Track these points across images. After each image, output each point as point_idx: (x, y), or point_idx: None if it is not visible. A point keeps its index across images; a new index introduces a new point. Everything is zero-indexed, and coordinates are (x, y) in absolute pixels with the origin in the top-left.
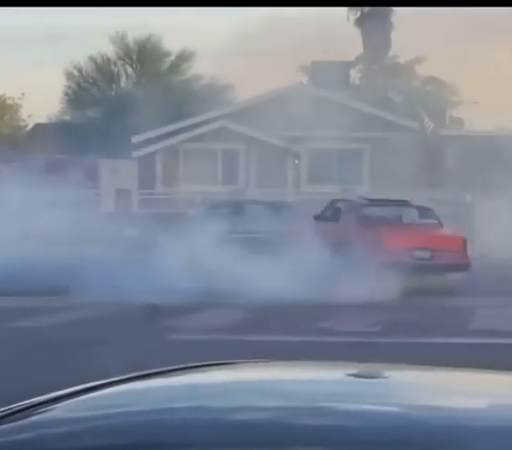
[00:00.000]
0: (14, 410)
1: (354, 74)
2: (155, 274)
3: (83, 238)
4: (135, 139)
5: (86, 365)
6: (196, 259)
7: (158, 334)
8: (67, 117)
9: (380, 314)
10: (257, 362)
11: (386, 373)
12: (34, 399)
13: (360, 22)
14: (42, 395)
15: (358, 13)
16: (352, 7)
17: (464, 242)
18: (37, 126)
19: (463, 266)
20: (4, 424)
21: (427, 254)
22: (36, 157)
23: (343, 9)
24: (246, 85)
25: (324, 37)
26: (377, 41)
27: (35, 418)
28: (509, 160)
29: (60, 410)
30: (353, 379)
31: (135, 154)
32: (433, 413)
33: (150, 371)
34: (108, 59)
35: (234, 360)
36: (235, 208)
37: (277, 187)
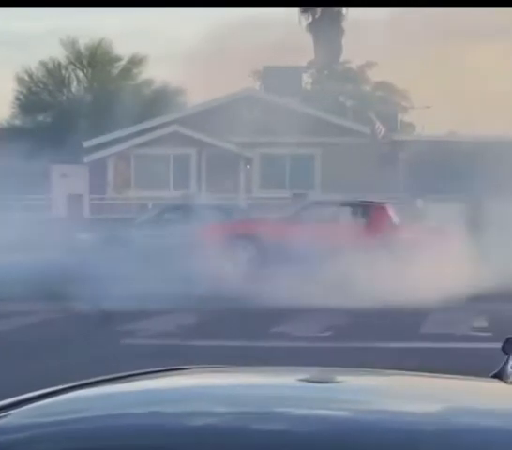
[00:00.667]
0: None
1: (306, 79)
2: (106, 279)
3: (35, 243)
4: (86, 144)
5: (38, 371)
6: (148, 263)
7: (110, 339)
8: (18, 122)
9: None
10: (210, 367)
11: (339, 377)
12: None
13: (312, 27)
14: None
15: (310, 17)
16: (304, 11)
17: None
18: None
19: None
20: None
21: None
22: None
23: (295, 13)
24: (197, 90)
25: (276, 41)
26: (328, 46)
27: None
28: (460, 165)
29: (12, 417)
30: (305, 383)
31: (86, 159)
32: (385, 417)
33: (102, 377)
34: (59, 64)
35: (188, 365)
36: (187, 213)
37: (229, 191)
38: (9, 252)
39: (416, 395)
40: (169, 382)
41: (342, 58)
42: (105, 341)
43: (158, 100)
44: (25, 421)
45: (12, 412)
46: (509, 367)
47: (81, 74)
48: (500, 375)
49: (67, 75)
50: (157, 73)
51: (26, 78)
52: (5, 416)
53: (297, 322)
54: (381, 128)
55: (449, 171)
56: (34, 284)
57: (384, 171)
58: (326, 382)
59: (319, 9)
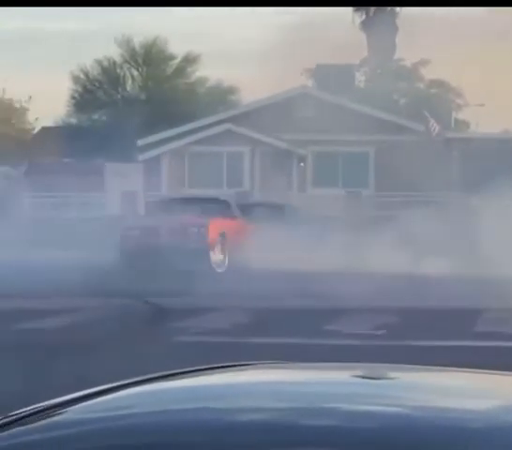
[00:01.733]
0: (26, 413)
1: (359, 77)
2: (162, 276)
3: (90, 240)
4: (141, 142)
5: (89, 368)
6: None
7: (163, 336)
8: (74, 120)
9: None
10: (265, 364)
11: (392, 374)
12: (46, 402)
13: (365, 25)
14: (57, 397)
15: (363, 16)
16: (357, 10)
17: None
18: (44, 129)
19: None
20: (16, 427)
21: None
22: (43, 160)
23: (349, 12)
24: (251, 88)
25: (329, 39)
26: (382, 44)
27: (46, 421)
28: None
29: (73, 412)
30: (359, 380)
31: (141, 157)
32: (439, 415)
33: (161, 374)
34: (114, 62)
35: (242, 362)
36: (241, 210)
37: (282, 189)
38: (64, 249)
39: (468, 392)
40: (224, 379)
41: (396, 56)
42: (158, 338)
43: (212, 98)
44: (83, 417)
45: (70, 408)
46: None
47: (135, 72)
48: None
49: (121, 73)
50: (210, 71)
51: (82, 76)
52: (62, 413)
53: (351, 320)
54: (435, 126)
55: (503, 168)
56: (86, 281)
57: (438, 169)
58: (380, 379)
59: (372, 8)
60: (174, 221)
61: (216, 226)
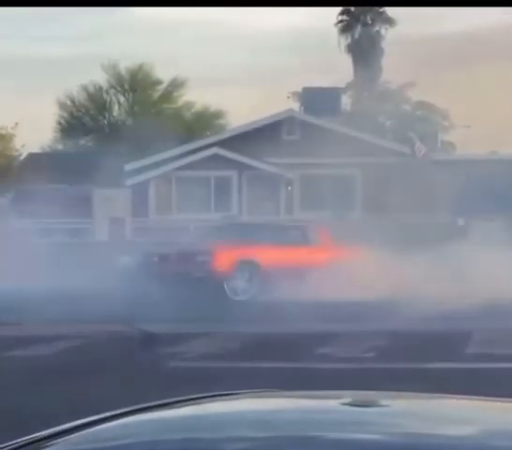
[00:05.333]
0: (20, 444)
1: (346, 100)
2: (149, 302)
3: (78, 266)
4: (128, 167)
5: (82, 395)
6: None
7: (155, 361)
8: (61, 146)
9: None
10: (255, 392)
11: (382, 402)
12: (41, 433)
13: (351, 48)
14: (50, 427)
15: (349, 39)
16: (342, 32)
17: None
18: (31, 155)
19: None
20: None
21: None
22: (30, 186)
23: (334, 35)
24: (237, 112)
25: (315, 62)
26: (368, 67)
27: None
28: (501, 184)
29: (61, 445)
30: (349, 407)
31: (128, 182)
32: (427, 441)
33: (156, 403)
34: (100, 88)
35: (237, 391)
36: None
37: (270, 213)
38: (52, 275)
39: (457, 418)
40: (214, 408)
41: (382, 78)
42: (149, 364)
43: (199, 123)
44: (75, 448)
45: (61, 439)
46: None
47: (122, 98)
48: None
49: (108, 99)
50: (197, 96)
51: (68, 102)
52: (55, 444)
53: (341, 343)
54: (421, 148)
55: (491, 190)
56: (77, 307)
57: (425, 190)
58: (369, 407)
59: (358, 30)
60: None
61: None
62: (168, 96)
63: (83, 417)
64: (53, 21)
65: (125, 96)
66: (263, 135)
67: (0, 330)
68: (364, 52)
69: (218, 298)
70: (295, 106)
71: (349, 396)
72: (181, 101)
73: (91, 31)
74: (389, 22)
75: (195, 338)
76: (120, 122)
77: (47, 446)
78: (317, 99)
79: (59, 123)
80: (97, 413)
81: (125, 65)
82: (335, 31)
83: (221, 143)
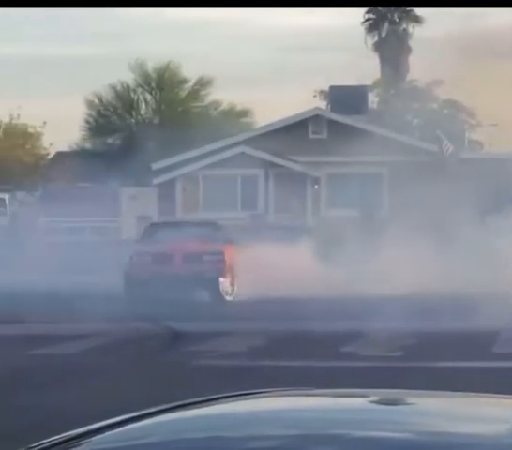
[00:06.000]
0: (49, 444)
1: (372, 98)
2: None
3: (105, 265)
4: (155, 166)
5: (111, 393)
6: None
7: (181, 360)
8: (88, 145)
9: None
10: (281, 391)
11: (407, 400)
12: (71, 432)
13: (378, 46)
14: (78, 427)
15: (376, 37)
16: (370, 31)
17: None
18: (59, 154)
19: None
20: None
21: None
22: (58, 185)
23: (361, 33)
24: (264, 111)
25: (342, 61)
26: (395, 65)
27: None
28: None
29: (100, 442)
30: (376, 406)
31: (155, 181)
32: (452, 440)
33: (184, 402)
34: (127, 87)
35: (260, 389)
36: (256, 233)
37: (296, 211)
38: (79, 274)
39: (483, 417)
40: (240, 407)
41: (409, 77)
42: (176, 362)
43: (226, 121)
44: (106, 447)
45: (90, 439)
46: None
47: (149, 96)
48: None
49: (135, 98)
50: (224, 94)
51: (96, 101)
52: (85, 443)
53: (367, 342)
54: (448, 147)
55: None
56: (104, 305)
57: (452, 189)
58: (395, 405)
59: (384, 28)
60: (188, 247)
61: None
62: (195, 94)
63: (112, 417)
64: (81, 21)
65: (152, 94)
66: (289, 133)
67: (23, 328)
68: (391, 50)
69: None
70: (322, 104)
71: (373, 394)
72: (208, 100)
73: (118, 31)
74: (416, 19)
75: (219, 336)
76: (147, 121)
77: (78, 445)
78: (344, 98)
79: (87, 122)
80: (127, 413)
81: (152, 64)
82: (361, 29)
83: (248, 142)
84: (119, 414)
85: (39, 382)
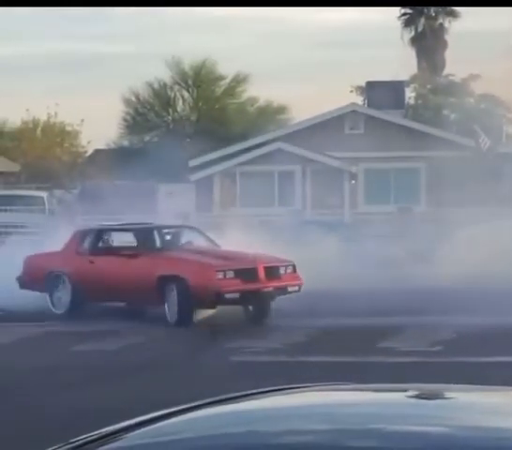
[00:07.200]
0: (94, 438)
1: (409, 93)
2: None
3: None
4: (192, 162)
5: (151, 389)
6: None
7: (219, 356)
8: (126, 142)
9: None
10: (320, 386)
11: (448, 395)
12: (113, 426)
13: (414, 41)
14: (121, 421)
15: (412, 32)
16: (406, 26)
17: None
18: (97, 152)
19: None
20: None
21: None
22: (96, 182)
23: (397, 29)
24: (301, 106)
25: (379, 56)
26: (431, 60)
27: (113, 445)
28: None
29: (133, 438)
30: (416, 401)
31: (192, 177)
32: (492, 435)
33: (227, 396)
34: (164, 84)
35: (301, 384)
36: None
37: (333, 207)
38: None
39: None
40: (283, 402)
41: (445, 71)
42: (214, 359)
43: (262, 118)
44: (147, 441)
45: (133, 433)
46: None
47: (186, 94)
48: None
49: (172, 95)
50: (260, 91)
51: (133, 99)
52: (126, 437)
53: (405, 337)
54: (486, 141)
55: None
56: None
57: (490, 184)
58: (435, 400)
59: (421, 23)
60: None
61: None
62: (231, 91)
63: (153, 412)
64: (118, 19)
65: (189, 91)
66: (326, 129)
67: (65, 325)
68: (427, 44)
69: None
70: (358, 100)
71: (413, 389)
72: (244, 97)
73: (155, 29)
74: (453, 14)
75: (259, 332)
76: (184, 118)
77: (120, 439)
78: (380, 93)
79: (124, 119)
80: (167, 408)
81: (188, 61)
82: (398, 24)
83: (285, 138)
84: (158, 410)
85: (83, 377)
